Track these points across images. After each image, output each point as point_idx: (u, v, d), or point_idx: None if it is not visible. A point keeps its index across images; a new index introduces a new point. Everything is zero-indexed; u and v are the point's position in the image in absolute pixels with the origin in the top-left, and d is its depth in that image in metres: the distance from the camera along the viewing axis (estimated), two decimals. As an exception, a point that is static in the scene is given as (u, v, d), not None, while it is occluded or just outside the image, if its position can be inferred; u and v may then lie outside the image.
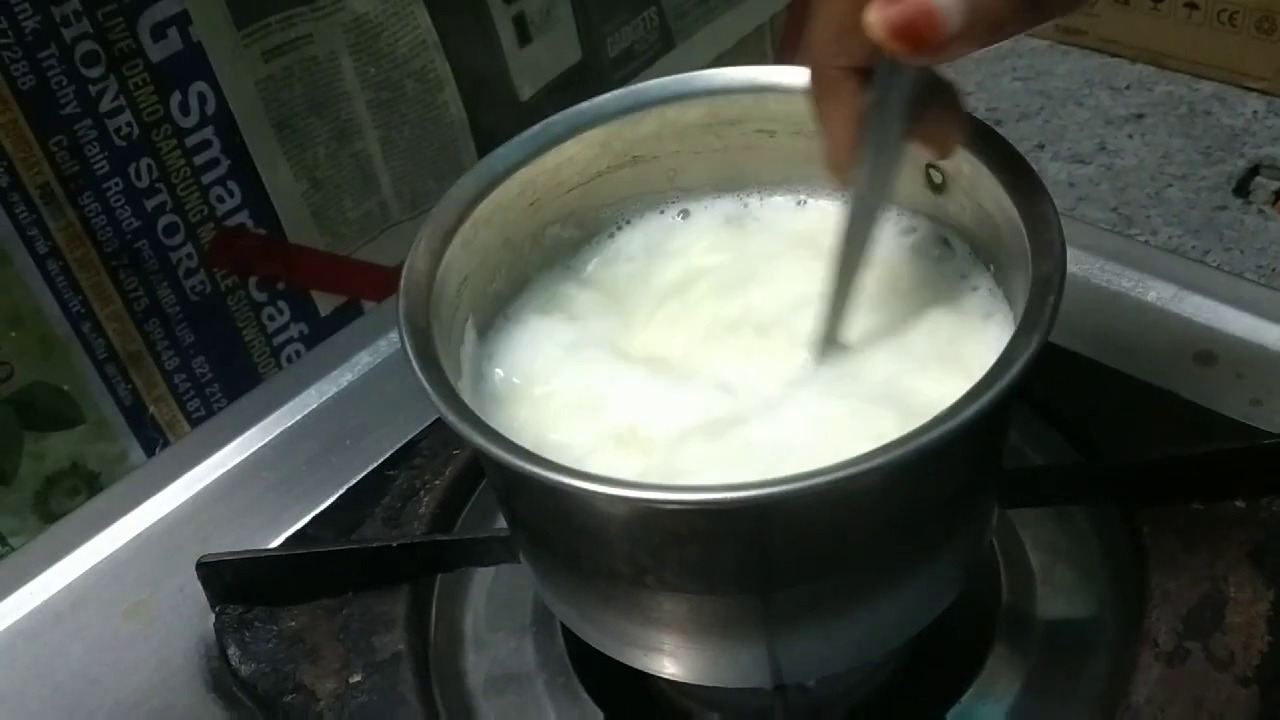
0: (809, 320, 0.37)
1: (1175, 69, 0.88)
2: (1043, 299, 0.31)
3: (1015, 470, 0.43)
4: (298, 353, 0.71)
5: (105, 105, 0.59)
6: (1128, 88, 0.89)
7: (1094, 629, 0.41)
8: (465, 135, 0.73)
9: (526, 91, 0.75)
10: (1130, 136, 0.85)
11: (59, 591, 0.46)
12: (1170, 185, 0.81)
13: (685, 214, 0.42)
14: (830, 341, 0.36)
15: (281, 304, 0.70)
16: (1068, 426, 0.46)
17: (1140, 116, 0.86)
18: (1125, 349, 0.48)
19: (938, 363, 0.36)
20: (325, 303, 0.72)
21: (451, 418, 0.31)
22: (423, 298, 0.35)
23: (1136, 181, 0.82)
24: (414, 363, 0.33)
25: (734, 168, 0.42)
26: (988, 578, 0.43)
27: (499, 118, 0.74)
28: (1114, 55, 0.91)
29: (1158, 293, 0.50)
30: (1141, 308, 0.50)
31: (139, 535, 0.48)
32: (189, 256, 0.65)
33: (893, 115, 0.32)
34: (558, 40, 0.76)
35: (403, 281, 0.35)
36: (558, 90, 0.76)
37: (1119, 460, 0.43)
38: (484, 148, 0.50)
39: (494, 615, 0.45)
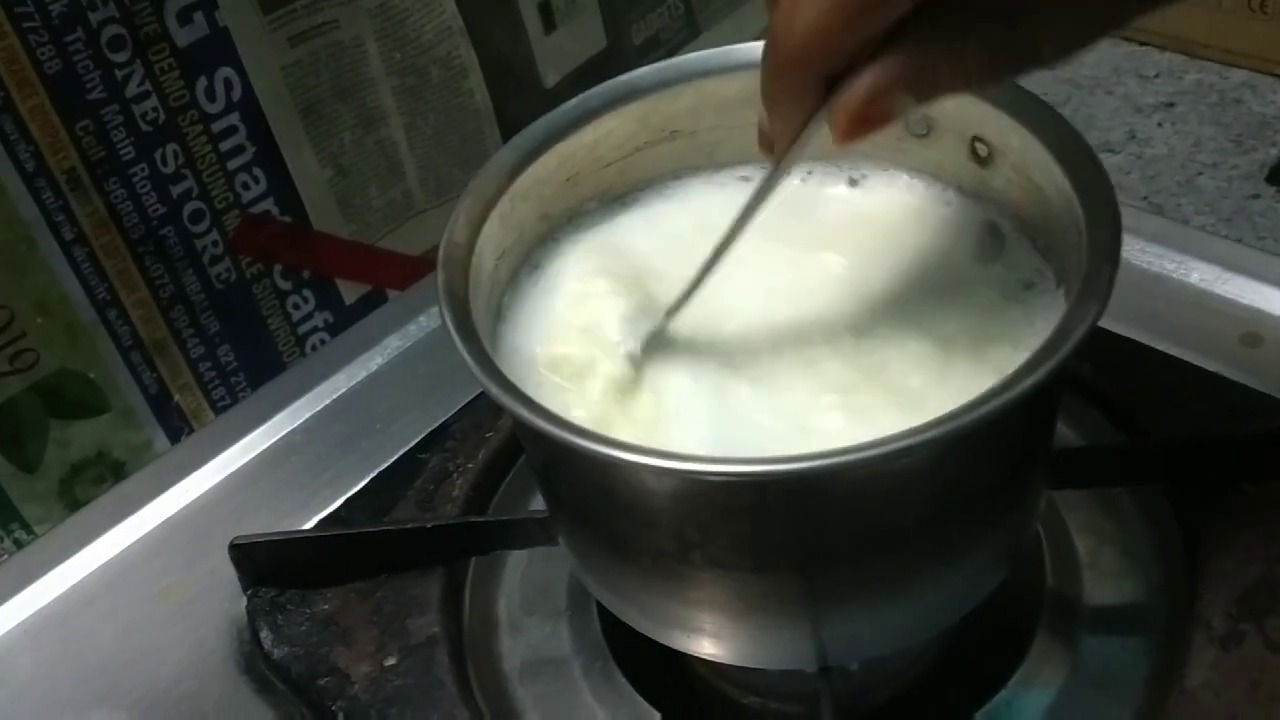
0: (838, 300, 0.36)
1: (1205, 57, 0.87)
2: (1100, 268, 0.31)
3: (1061, 451, 0.42)
4: (322, 341, 0.71)
5: (131, 90, 0.59)
6: (1157, 76, 0.88)
7: (1143, 613, 0.41)
8: (490, 123, 0.73)
9: (551, 79, 0.74)
10: (1160, 125, 0.84)
11: (89, 574, 0.46)
12: (1201, 174, 0.80)
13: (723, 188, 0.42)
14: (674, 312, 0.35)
15: (306, 292, 0.69)
16: (1112, 408, 0.45)
17: (1170, 105, 0.85)
18: (1169, 331, 0.47)
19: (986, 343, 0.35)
20: (350, 291, 0.71)
21: (495, 390, 0.31)
22: (462, 269, 0.34)
23: (1167, 170, 0.81)
24: (454, 334, 0.32)
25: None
26: (1032, 562, 0.42)
27: (523, 105, 0.73)
28: (1142, 44, 0.90)
29: (1200, 274, 0.49)
30: (1184, 289, 0.49)
31: (169, 518, 0.47)
32: (214, 244, 0.64)
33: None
34: (583, 28, 0.75)
35: (441, 253, 0.34)
36: (582, 78, 0.75)
37: (1168, 441, 0.42)
38: (508, 136, 0.49)
39: (528, 599, 0.44)
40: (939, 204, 0.39)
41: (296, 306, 0.69)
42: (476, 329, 0.33)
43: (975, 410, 0.28)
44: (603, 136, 0.39)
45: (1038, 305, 0.35)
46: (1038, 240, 0.37)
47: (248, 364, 0.68)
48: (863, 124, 0.29)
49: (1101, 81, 0.88)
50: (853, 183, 0.41)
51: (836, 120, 0.29)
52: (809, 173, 0.41)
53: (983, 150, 0.37)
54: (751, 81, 0.39)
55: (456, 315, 0.33)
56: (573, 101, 0.39)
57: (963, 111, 0.37)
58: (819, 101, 0.30)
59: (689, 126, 0.40)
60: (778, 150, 0.32)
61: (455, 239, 0.35)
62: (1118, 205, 0.32)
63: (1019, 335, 0.34)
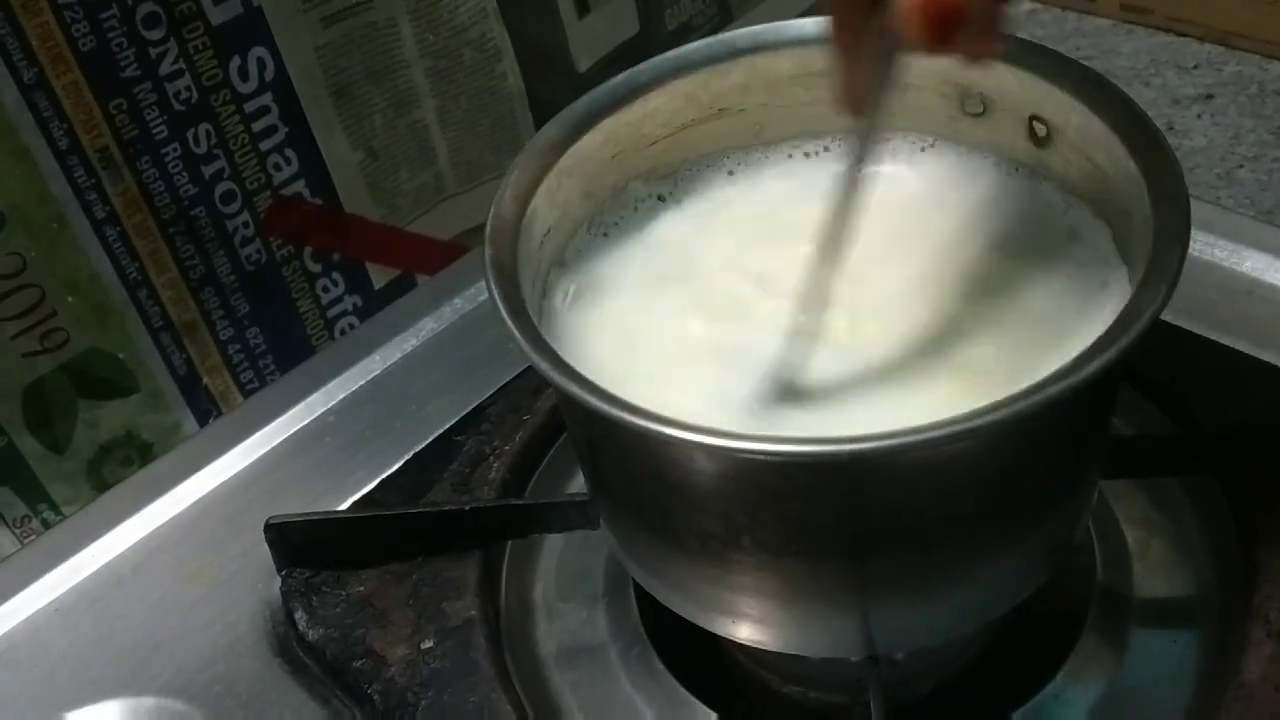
0: (898, 270, 0.36)
1: (1245, 49, 0.86)
2: (1168, 248, 0.30)
3: (1113, 440, 0.41)
4: (351, 326, 0.70)
5: (165, 68, 0.58)
6: (1195, 67, 0.86)
7: (1195, 606, 0.40)
8: (522, 106, 0.72)
9: (584, 63, 0.73)
10: (1199, 117, 0.83)
11: (121, 554, 0.45)
12: (1241, 166, 0.79)
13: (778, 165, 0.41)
14: (822, 301, 0.33)
15: (336, 275, 0.69)
16: (1164, 398, 0.44)
17: (1209, 97, 0.84)
18: (1220, 320, 0.46)
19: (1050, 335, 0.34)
20: (379, 276, 0.71)
21: (544, 366, 0.30)
22: (509, 244, 0.33)
23: (1206, 162, 0.80)
24: (502, 309, 0.31)
25: (823, 121, 0.40)
26: (1082, 554, 0.41)
27: (556, 89, 0.72)
28: (1181, 34, 0.89)
29: (1253, 263, 0.48)
30: (1236, 278, 0.48)
31: (201, 499, 0.47)
32: (245, 225, 0.64)
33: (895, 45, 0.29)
34: (616, 12, 0.75)
35: (488, 228, 0.34)
36: (615, 62, 0.74)
37: (1221, 430, 0.41)
38: (541, 120, 0.48)
39: (564, 585, 0.43)
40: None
41: (326, 289, 0.69)
42: (525, 303, 0.32)
43: (1040, 393, 0.27)
44: (650, 113, 0.39)
45: (1105, 289, 0.34)
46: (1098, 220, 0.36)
47: (277, 347, 0.67)
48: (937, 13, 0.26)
49: (1139, 73, 0.87)
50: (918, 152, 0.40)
51: (910, 14, 0.26)
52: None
53: (1041, 130, 0.37)
54: (802, 58, 0.39)
55: (504, 290, 0.32)
56: (620, 77, 0.38)
57: (1020, 89, 0.36)
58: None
59: (737, 104, 0.40)
60: (858, 99, 0.31)
61: (502, 213, 0.34)
62: (1185, 185, 0.31)
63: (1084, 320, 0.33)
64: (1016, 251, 0.36)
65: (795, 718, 0.40)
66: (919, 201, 0.38)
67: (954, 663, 0.40)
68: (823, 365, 0.33)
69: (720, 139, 0.40)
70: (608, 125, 0.38)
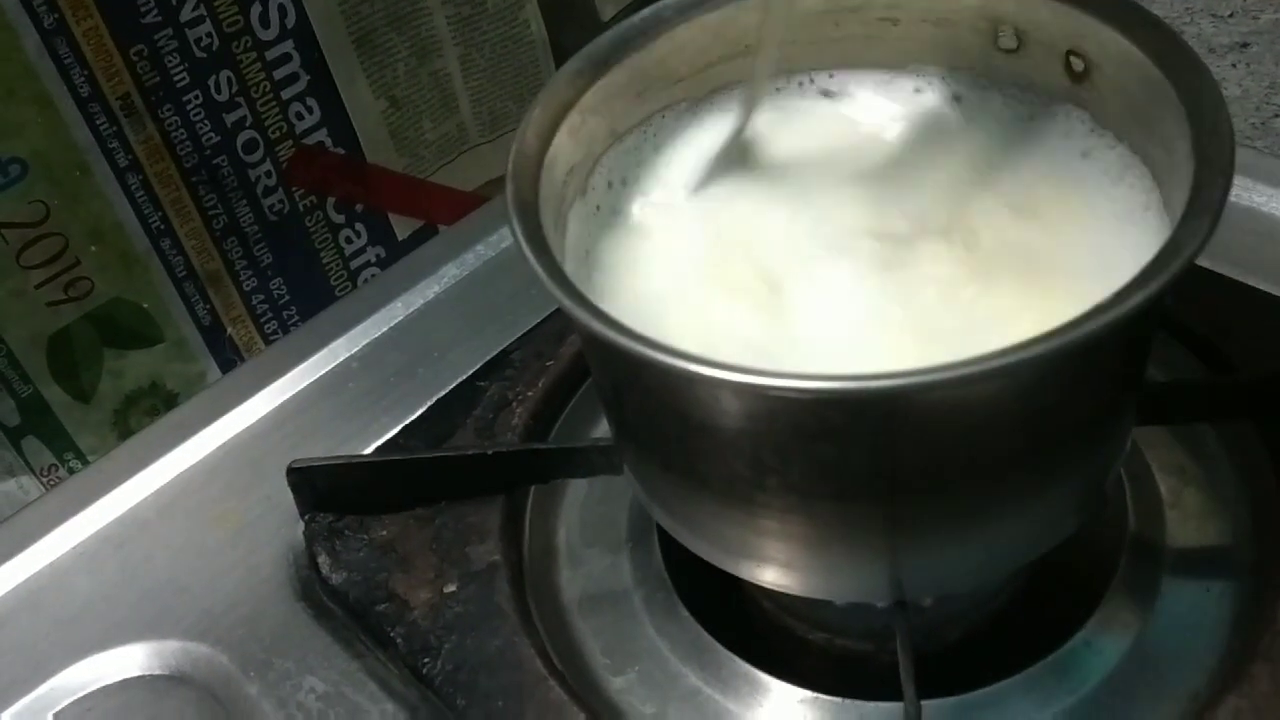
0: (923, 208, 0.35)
1: (1284, -4, 0.84)
2: (1212, 180, 0.29)
3: (1146, 386, 0.40)
4: (374, 276, 0.70)
5: (186, 14, 0.58)
6: (1231, 16, 0.85)
7: (1229, 554, 0.39)
8: (546, 55, 0.71)
9: (608, 10, 0.72)
10: (1234, 65, 0.81)
11: (145, 499, 0.45)
12: (1277, 115, 0.77)
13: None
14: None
15: (359, 226, 0.68)
16: (1199, 343, 0.43)
17: (1245, 45, 0.82)
18: (1257, 265, 0.45)
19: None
20: (403, 226, 0.70)
21: (568, 303, 0.29)
22: (531, 181, 0.33)
23: (1241, 112, 0.78)
24: (524, 246, 0.31)
25: (853, 59, 0.39)
26: (1113, 503, 0.40)
27: (580, 37, 0.71)
28: (1219, -18, 0.86)
29: (1292, 208, 0.47)
30: (1273, 223, 0.47)
31: (225, 444, 0.47)
32: (267, 174, 0.63)
33: None
34: (641, -42, 0.73)
35: (510, 165, 0.33)
36: (640, 10, 0.73)
37: (1257, 375, 0.40)
38: (564, 68, 0.48)
39: (588, 531, 0.43)
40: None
41: (349, 240, 0.68)
42: (547, 240, 0.31)
43: (1078, 328, 0.27)
44: (674, 49, 0.38)
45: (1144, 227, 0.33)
46: (1136, 157, 0.35)
47: (300, 297, 0.67)
48: None
49: (1173, 21, 0.85)
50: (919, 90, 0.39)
51: None
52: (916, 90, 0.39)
53: (1078, 65, 0.36)
54: (832, -7, 0.38)
55: (527, 227, 0.31)
56: (645, 12, 0.37)
57: (1057, 22, 0.35)
58: None
59: (765, 41, 0.39)
60: None
61: (524, 150, 0.33)
62: (1230, 117, 0.30)
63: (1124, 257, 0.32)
64: (1053, 190, 0.35)
65: (821, 665, 0.40)
66: (952, 137, 0.37)
67: (982, 610, 0.40)
68: (853, 301, 0.33)
69: (747, 75, 0.39)
70: (632, 62, 0.37)
